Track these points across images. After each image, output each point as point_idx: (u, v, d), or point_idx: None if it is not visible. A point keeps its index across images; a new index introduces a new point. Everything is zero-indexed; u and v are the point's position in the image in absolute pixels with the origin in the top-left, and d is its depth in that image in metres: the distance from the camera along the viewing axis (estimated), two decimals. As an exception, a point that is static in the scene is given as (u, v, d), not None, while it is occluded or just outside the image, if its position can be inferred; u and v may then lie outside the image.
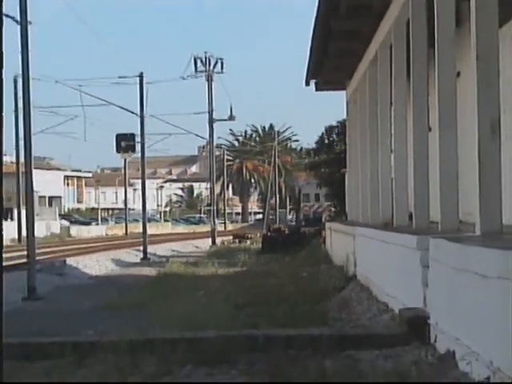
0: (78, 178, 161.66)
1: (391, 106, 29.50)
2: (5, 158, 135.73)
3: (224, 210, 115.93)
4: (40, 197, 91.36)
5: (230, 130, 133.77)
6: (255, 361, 16.50)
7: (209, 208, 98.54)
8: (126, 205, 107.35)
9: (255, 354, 16.94)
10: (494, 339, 12.22)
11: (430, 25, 20.88)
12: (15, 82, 63.33)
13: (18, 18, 36.85)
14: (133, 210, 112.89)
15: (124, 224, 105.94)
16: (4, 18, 33.40)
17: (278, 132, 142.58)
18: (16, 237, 75.76)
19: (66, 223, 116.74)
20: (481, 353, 12.87)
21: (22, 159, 56.70)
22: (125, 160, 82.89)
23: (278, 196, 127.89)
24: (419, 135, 23.93)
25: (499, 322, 11.87)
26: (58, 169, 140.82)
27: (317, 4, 29.78)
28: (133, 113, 60.04)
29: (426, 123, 23.41)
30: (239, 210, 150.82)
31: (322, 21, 31.27)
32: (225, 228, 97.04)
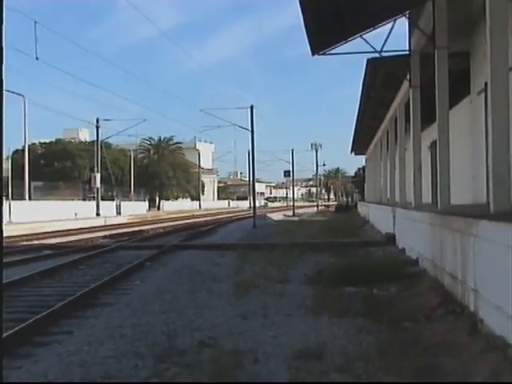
0: (270, 186, 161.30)
1: (380, 161, 29.06)
2: (239, 176, 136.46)
3: (320, 197, 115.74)
4: (257, 193, 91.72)
5: (324, 170, 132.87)
6: (332, 250, 15.19)
7: (316, 197, 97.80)
8: (286, 195, 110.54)
9: (332, 248, 15.68)
10: (420, 242, 11.59)
11: (396, 132, 20.42)
12: (248, 153, 64.29)
13: (249, 128, 32.83)
14: (286, 197, 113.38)
15: (285, 202, 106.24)
16: (241, 129, 32.99)
17: (341, 170, 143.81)
18: (248, 206, 75.48)
19: (265, 201, 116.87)
20: (415, 248, 12.28)
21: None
22: (286, 179, 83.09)
23: (340, 192, 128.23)
24: (391, 171, 23.01)
25: (421, 236, 11.28)
26: (263, 182, 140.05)
27: (355, 119, 28.83)
28: (288, 163, 62.60)
29: (393, 167, 22.43)
30: (326, 197, 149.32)
31: (360, 128, 30.59)
32: (321, 204, 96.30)
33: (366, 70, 18.09)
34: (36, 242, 22.67)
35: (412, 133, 15.40)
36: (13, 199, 38.61)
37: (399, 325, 6.60)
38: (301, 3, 10.88)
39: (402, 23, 15.11)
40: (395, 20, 14.72)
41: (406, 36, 15.29)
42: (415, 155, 15.14)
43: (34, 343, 6.52)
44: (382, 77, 19.14)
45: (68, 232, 28.00)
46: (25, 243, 21.70)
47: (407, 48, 15.13)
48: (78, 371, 5.18)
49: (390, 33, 14.79)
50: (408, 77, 15.34)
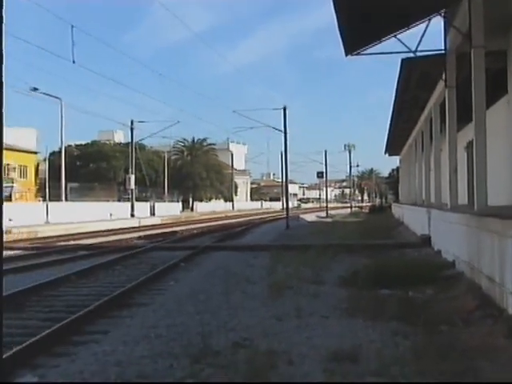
0: (303, 187, 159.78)
1: (415, 161, 28.67)
2: (272, 177, 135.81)
3: (353, 198, 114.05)
4: (290, 194, 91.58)
5: (357, 171, 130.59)
6: (366, 251, 15.12)
7: (349, 198, 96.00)
8: (319, 196, 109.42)
9: (366, 249, 15.58)
10: (456, 244, 11.47)
11: (431, 133, 20.25)
12: (281, 154, 63.41)
13: (282, 129, 33.16)
14: (319, 198, 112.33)
15: (318, 203, 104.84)
16: (274, 130, 32.93)
17: (375, 171, 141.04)
18: (281, 207, 74.77)
19: (298, 202, 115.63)
20: (451, 250, 12.15)
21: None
22: (319, 180, 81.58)
23: (374, 193, 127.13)
24: (426, 172, 23.28)
25: (458, 238, 11.21)
26: (296, 183, 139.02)
27: (389, 120, 28.47)
28: (321, 164, 61.93)
29: (428, 168, 22.54)
30: (359, 198, 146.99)
31: (394, 129, 30.14)
32: (355, 205, 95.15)
33: (401, 70, 17.92)
34: (72, 242, 23.01)
35: (448, 133, 15.19)
36: (50, 200, 39.45)
37: (435, 328, 6.47)
38: (334, 4, 10.84)
39: (437, 22, 15.05)
40: (430, 19, 14.60)
41: (441, 35, 15.22)
42: (451, 156, 14.93)
43: (71, 342, 6.59)
44: (416, 77, 18.96)
45: (103, 233, 28.36)
46: (62, 243, 22.09)
47: (442, 47, 15.04)
48: (114, 370, 5.21)
49: (424, 32, 14.67)
50: (443, 76, 15.21)
